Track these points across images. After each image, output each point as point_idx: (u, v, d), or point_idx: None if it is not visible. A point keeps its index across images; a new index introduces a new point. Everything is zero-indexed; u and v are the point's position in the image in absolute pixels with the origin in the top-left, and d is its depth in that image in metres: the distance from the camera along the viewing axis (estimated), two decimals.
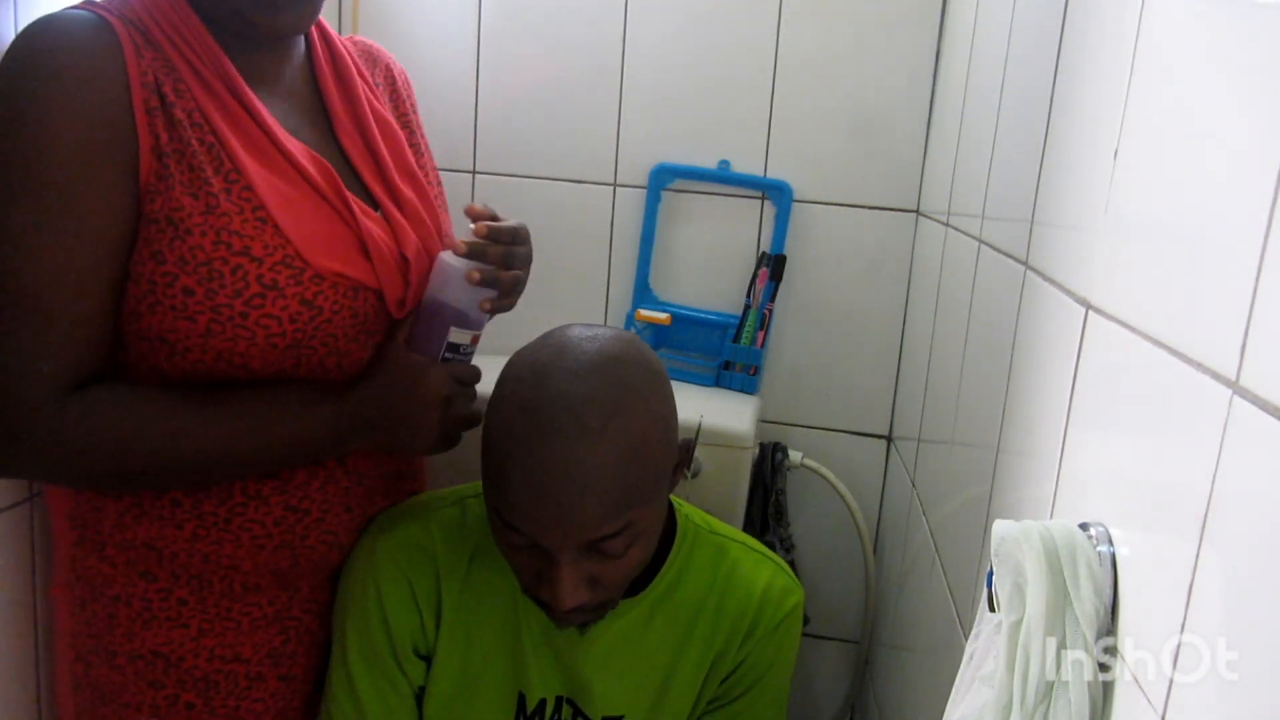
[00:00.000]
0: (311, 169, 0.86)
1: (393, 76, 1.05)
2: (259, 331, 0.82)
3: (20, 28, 0.80)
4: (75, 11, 0.80)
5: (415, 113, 1.07)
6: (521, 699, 0.96)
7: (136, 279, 0.81)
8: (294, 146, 0.86)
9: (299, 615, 0.96)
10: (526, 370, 0.84)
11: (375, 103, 0.98)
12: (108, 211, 0.78)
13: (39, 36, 0.78)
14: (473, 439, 0.92)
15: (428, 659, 0.96)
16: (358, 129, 0.95)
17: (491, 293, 0.92)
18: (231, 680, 0.93)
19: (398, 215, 0.92)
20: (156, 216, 0.80)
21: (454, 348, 0.93)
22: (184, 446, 0.83)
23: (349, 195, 0.88)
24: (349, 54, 0.98)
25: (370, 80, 1.00)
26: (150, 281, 0.80)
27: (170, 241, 0.80)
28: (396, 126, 1.00)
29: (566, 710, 0.97)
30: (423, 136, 1.06)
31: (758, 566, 0.99)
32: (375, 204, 0.92)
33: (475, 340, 0.96)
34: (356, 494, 0.96)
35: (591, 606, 0.86)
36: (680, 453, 0.90)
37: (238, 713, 0.94)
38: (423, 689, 0.96)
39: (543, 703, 0.96)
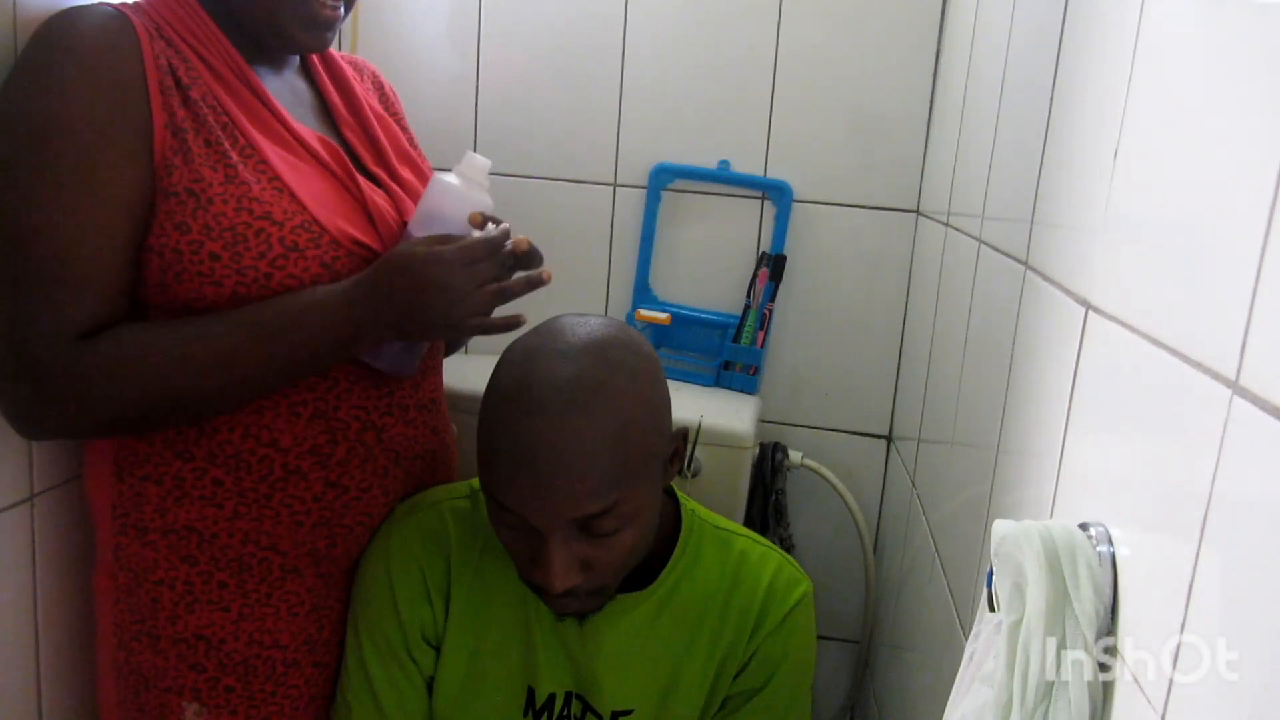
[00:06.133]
0: (319, 148, 0.91)
1: (381, 83, 1.11)
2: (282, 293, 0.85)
3: (20, 25, 0.86)
4: (91, 4, 0.85)
5: (404, 119, 1.11)
6: (531, 693, 0.97)
7: (160, 251, 0.84)
8: (303, 130, 0.91)
9: (333, 604, 0.99)
10: (518, 355, 0.86)
11: (369, 98, 1.04)
12: (123, 178, 0.82)
13: (58, 24, 0.82)
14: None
15: (438, 648, 0.97)
16: (356, 121, 1.00)
17: (485, 202, 0.91)
18: (269, 666, 0.96)
19: (398, 190, 0.98)
20: (176, 189, 0.83)
21: None
22: (204, 359, 0.83)
23: (355, 171, 0.93)
24: (338, 57, 1.04)
25: (361, 82, 1.06)
26: (175, 251, 0.83)
27: (193, 212, 0.83)
28: (390, 119, 1.05)
29: (576, 705, 0.97)
30: (414, 140, 1.10)
31: (764, 559, 0.99)
32: (377, 183, 0.97)
33: None
34: (394, 475, 0.99)
35: (585, 591, 0.87)
36: (675, 441, 0.91)
37: (275, 698, 0.97)
38: (433, 678, 0.97)
39: (552, 697, 0.97)
